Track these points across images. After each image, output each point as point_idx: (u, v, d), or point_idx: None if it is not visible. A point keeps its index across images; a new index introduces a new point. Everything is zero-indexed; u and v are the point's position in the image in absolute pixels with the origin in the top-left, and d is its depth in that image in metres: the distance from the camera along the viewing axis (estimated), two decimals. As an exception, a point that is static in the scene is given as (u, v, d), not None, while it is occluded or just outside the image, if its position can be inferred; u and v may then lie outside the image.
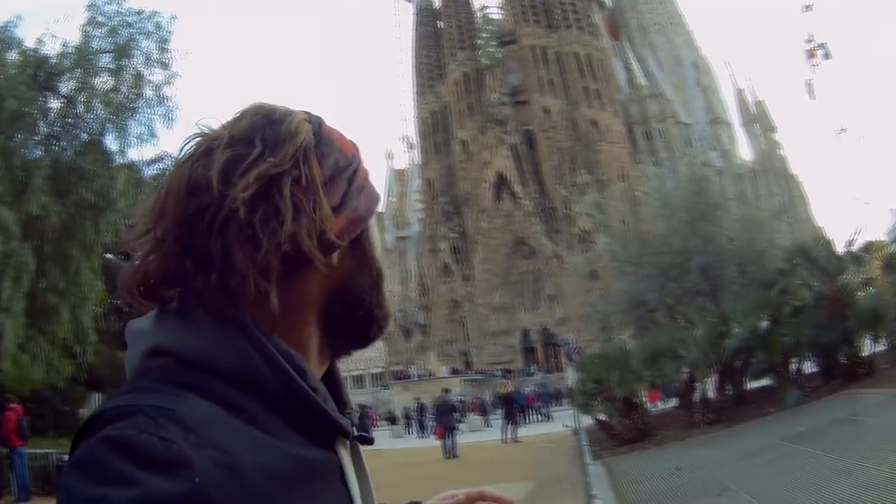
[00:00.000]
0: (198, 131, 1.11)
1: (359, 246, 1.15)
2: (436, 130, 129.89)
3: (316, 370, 1.13)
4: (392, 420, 60.39)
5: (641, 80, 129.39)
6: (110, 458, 0.83)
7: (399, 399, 71.96)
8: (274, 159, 1.03)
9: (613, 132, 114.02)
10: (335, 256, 1.09)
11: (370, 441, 1.25)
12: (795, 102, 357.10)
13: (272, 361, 1.00)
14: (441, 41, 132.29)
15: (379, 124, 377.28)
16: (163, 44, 21.43)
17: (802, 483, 10.39)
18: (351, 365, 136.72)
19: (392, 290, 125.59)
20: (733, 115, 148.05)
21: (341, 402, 1.19)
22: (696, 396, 21.09)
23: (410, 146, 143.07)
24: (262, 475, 0.91)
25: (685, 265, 28.13)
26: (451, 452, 25.90)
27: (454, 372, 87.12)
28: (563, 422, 35.70)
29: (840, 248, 22.53)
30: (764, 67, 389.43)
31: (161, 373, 1.00)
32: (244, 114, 1.11)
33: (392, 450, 33.96)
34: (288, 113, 1.11)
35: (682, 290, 28.41)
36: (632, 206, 35.10)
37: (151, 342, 1.04)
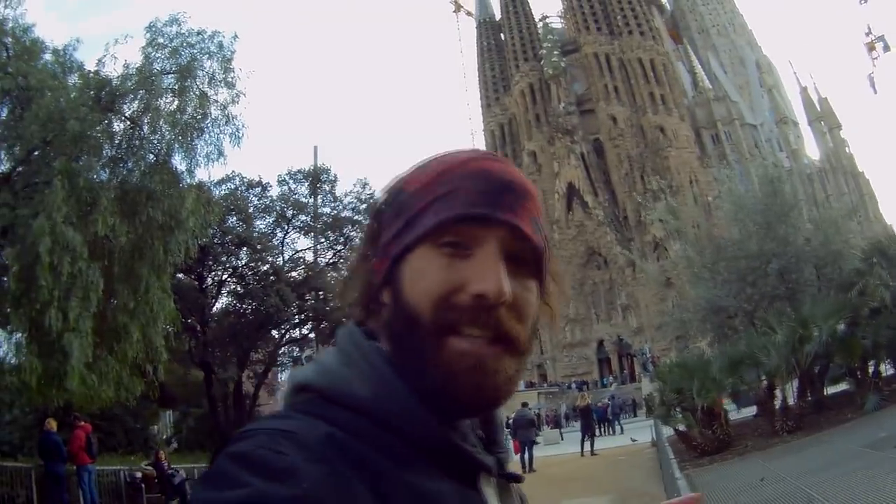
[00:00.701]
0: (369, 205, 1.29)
1: (392, 284, 1.13)
2: (504, 143, 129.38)
3: None
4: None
5: (706, 82, 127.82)
6: (227, 467, 0.92)
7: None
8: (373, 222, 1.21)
9: (681, 137, 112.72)
10: (385, 296, 1.14)
11: (517, 479, 1.25)
12: (860, 97, 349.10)
13: (393, 394, 1.05)
14: (504, 53, 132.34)
15: (448, 140, 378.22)
16: (226, 63, 21.52)
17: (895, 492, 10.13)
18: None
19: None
20: (799, 113, 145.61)
21: (494, 441, 1.20)
22: (777, 404, 20.65)
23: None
24: (378, 499, 0.94)
25: (762, 269, 27.55)
26: (528, 466, 25.68)
27: (530, 385, 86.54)
28: (631, 435, 35.37)
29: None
30: (826, 63, 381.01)
31: (301, 405, 1.07)
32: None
33: None
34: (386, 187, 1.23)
35: (760, 295, 27.80)
36: (704, 212, 34.56)
37: (299, 379, 1.12)
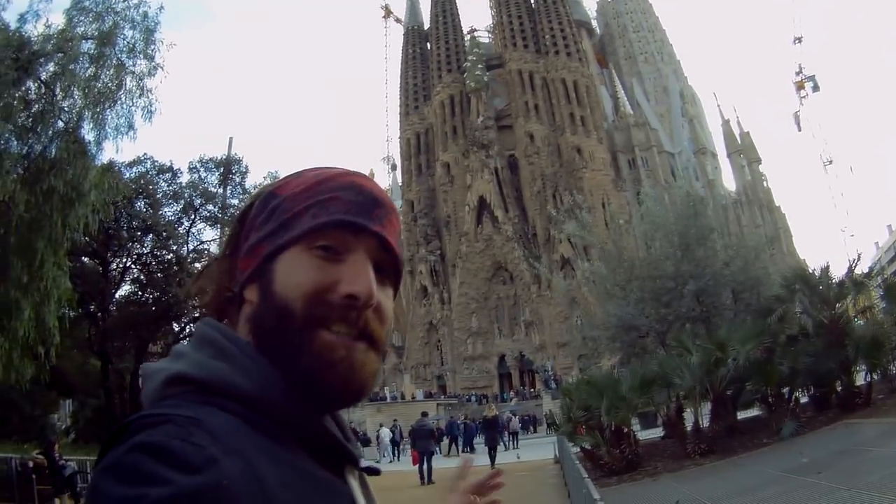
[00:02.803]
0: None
1: (260, 281, 1.17)
2: (419, 152, 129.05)
3: None
4: (365, 442, 58.68)
5: (627, 108, 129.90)
6: (144, 462, 0.88)
7: (372, 421, 70.90)
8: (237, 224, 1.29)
9: (597, 159, 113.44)
10: (250, 292, 1.19)
11: (377, 472, 1.27)
12: (782, 134, 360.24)
13: (283, 390, 1.08)
14: (429, 63, 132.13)
15: (363, 144, 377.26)
16: (148, 34, 20.77)
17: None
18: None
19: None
20: (719, 145, 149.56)
21: (346, 438, 1.21)
22: (688, 426, 20.15)
23: (393, 167, 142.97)
24: (283, 487, 0.96)
25: (678, 290, 27.35)
26: (427, 478, 24.89)
27: (428, 395, 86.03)
28: (520, 453, 34.87)
29: (839, 275, 21.90)
30: (751, 98, 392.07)
31: (183, 396, 1.05)
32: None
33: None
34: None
35: (675, 316, 27.59)
36: (615, 233, 34.21)
37: (171, 371, 1.09)
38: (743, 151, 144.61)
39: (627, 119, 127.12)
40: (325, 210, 1.16)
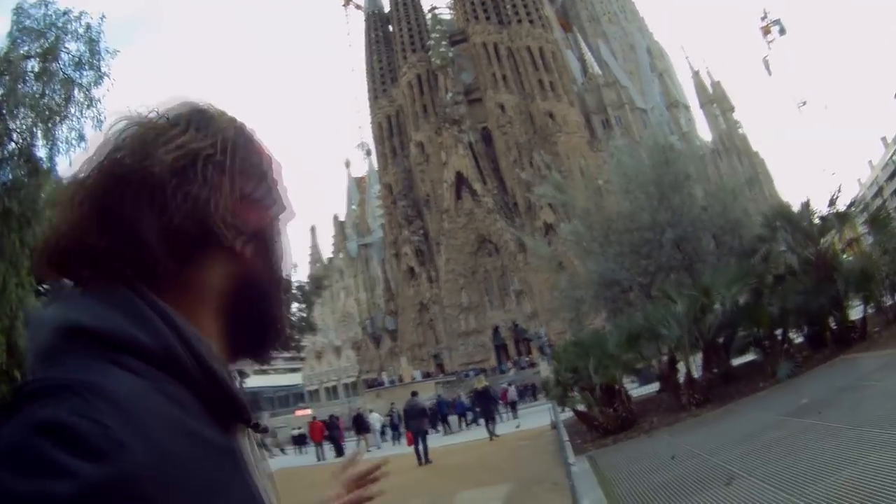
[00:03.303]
0: (126, 114, 1.10)
1: (264, 243, 1.17)
2: (392, 135, 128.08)
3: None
4: (366, 428, 58.04)
5: (595, 69, 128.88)
6: (44, 447, 0.79)
7: (372, 407, 70.66)
8: (198, 134, 1.09)
9: (571, 122, 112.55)
10: (242, 245, 1.12)
11: (265, 430, 1.32)
12: (754, 80, 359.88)
13: (187, 342, 0.99)
14: (393, 45, 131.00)
15: (336, 134, 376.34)
16: (92, 45, 20.22)
17: (826, 460, 8.89)
18: (324, 377, 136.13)
19: (359, 297, 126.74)
20: (691, 97, 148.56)
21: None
22: (681, 377, 19.60)
23: (368, 153, 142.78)
24: (190, 465, 0.89)
25: (657, 240, 26.87)
26: (424, 458, 24.46)
27: (426, 376, 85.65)
28: (521, 422, 34.52)
29: (822, 209, 21.36)
30: (720, 48, 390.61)
31: (82, 352, 0.93)
32: (176, 104, 1.14)
33: (363, 461, 32.42)
34: (211, 106, 1.17)
35: (656, 267, 27.10)
36: (594, 193, 33.67)
37: (64, 321, 0.96)
38: (715, 101, 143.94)
39: (597, 80, 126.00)
40: (284, 198, 1.22)
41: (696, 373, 19.39)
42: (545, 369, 55.96)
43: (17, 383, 0.87)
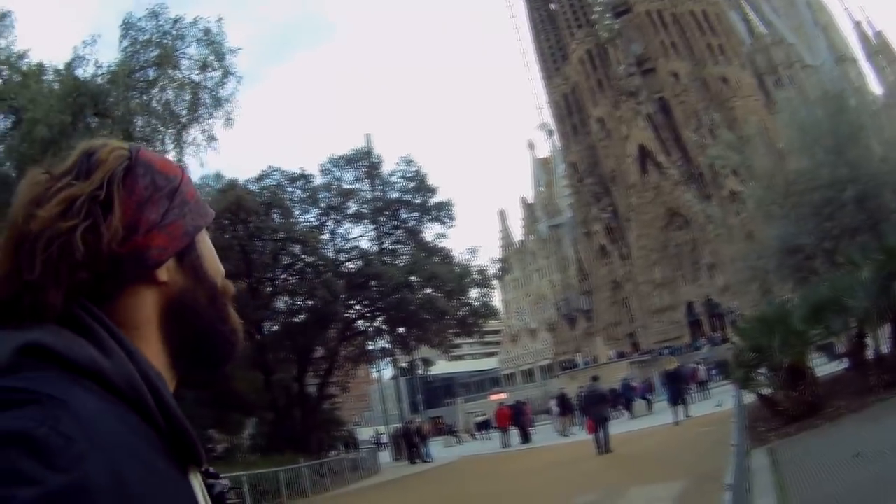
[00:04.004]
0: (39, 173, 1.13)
1: (187, 260, 1.17)
2: (570, 113, 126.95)
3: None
4: (567, 409, 56.92)
5: (761, 28, 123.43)
6: (14, 456, 0.82)
7: (569, 388, 70.06)
8: (80, 183, 1.08)
9: (745, 86, 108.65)
10: (164, 272, 1.13)
11: (215, 475, 1.23)
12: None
13: (144, 372, 1.02)
14: (557, 23, 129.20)
15: (517, 118, 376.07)
16: (215, 47, 21.14)
17: None
18: (519, 360, 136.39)
19: (552, 279, 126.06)
20: (856, 50, 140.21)
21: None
22: (869, 354, 17.74)
23: (550, 133, 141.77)
24: (144, 488, 0.91)
25: (837, 199, 24.70)
26: (604, 447, 23.59)
27: (621, 355, 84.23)
28: (720, 400, 32.66)
29: None
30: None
31: (43, 367, 0.94)
32: (72, 154, 1.15)
33: (540, 448, 31.81)
34: (104, 145, 1.15)
35: (840, 229, 24.98)
36: (772, 152, 31.71)
37: (27, 339, 0.97)
38: (881, 52, 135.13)
39: (764, 39, 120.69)
40: (201, 206, 1.23)
41: (885, 348, 17.47)
42: (739, 345, 53.76)
43: None
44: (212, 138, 20.91)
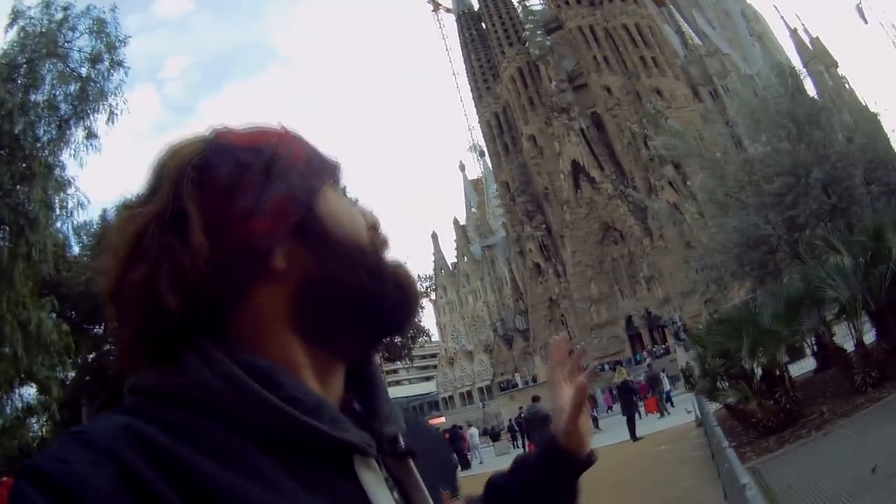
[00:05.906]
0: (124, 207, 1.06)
1: (309, 231, 1.04)
2: (502, 132, 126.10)
3: (316, 383, 1.04)
4: (494, 436, 54.46)
5: (695, 39, 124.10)
6: (23, 487, 0.83)
7: (506, 411, 68.22)
8: (145, 208, 1.00)
9: (679, 97, 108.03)
10: (279, 259, 1.01)
11: (410, 454, 1.10)
12: (852, 31, 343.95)
13: (227, 376, 0.95)
14: (488, 42, 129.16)
15: (448, 139, 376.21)
16: (106, 38, 19.21)
17: None
18: (458, 383, 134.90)
19: (487, 300, 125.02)
20: (793, 57, 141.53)
21: (375, 412, 1.11)
22: (850, 349, 15.73)
23: (481, 154, 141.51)
24: (179, 490, 0.86)
25: (801, 184, 22.85)
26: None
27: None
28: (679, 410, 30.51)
29: None
30: (811, 4, 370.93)
31: (126, 405, 0.97)
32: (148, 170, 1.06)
33: (480, 475, 29.62)
34: (170, 149, 1.05)
35: (805, 217, 23.03)
36: (721, 138, 29.98)
37: (130, 384, 1.00)
38: (817, 57, 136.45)
39: (698, 50, 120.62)
40: (310, 164, 1.08)
41: (868, 343, 15.43)
42: (682, 356, 52.50)
43: None
44: (91, 135, 18.68)
